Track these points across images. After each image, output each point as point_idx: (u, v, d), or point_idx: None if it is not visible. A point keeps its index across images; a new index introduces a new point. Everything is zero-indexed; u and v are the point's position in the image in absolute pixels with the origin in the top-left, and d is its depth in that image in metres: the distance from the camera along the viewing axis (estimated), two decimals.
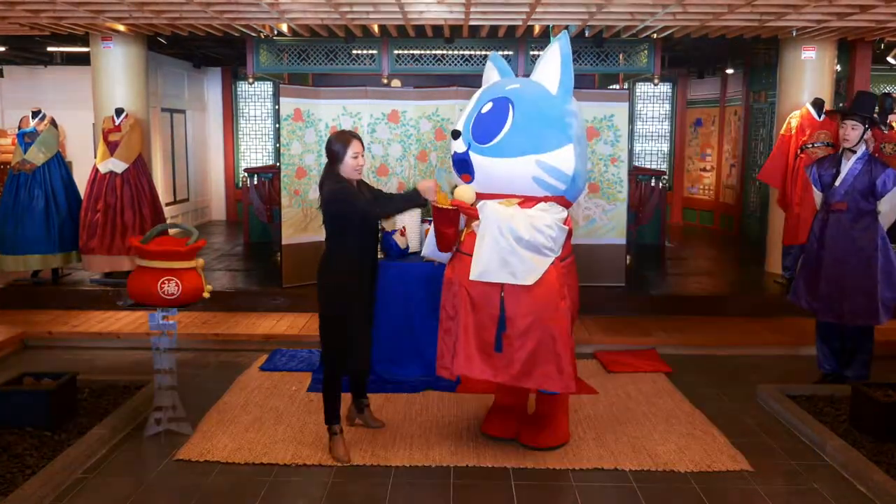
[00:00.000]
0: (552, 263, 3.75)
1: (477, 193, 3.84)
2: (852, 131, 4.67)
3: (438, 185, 3.91)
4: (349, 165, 3.77)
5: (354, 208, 3.73)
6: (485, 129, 3.77)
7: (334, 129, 6.69)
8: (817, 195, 4.94)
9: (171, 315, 4.09)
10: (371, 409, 4.37)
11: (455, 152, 3.88)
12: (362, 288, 3.88)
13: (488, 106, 3.82)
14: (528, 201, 3.80)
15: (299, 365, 5.40)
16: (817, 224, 4.88)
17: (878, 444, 3.95)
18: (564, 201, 3.88)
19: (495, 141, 3.74)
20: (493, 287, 3.74)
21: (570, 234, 3.93)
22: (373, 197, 3.93)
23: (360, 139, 3.82)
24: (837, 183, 4.74)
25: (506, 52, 7.82)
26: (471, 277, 3.69)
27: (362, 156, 3.81)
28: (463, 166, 3.86)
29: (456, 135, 3.85)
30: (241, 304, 6.67)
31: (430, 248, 4.19)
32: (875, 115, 4.72)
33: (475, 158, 3.79)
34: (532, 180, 3.76)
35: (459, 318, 3.81)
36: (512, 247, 3.65)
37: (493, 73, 4.16)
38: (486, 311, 3.76)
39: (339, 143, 3.77)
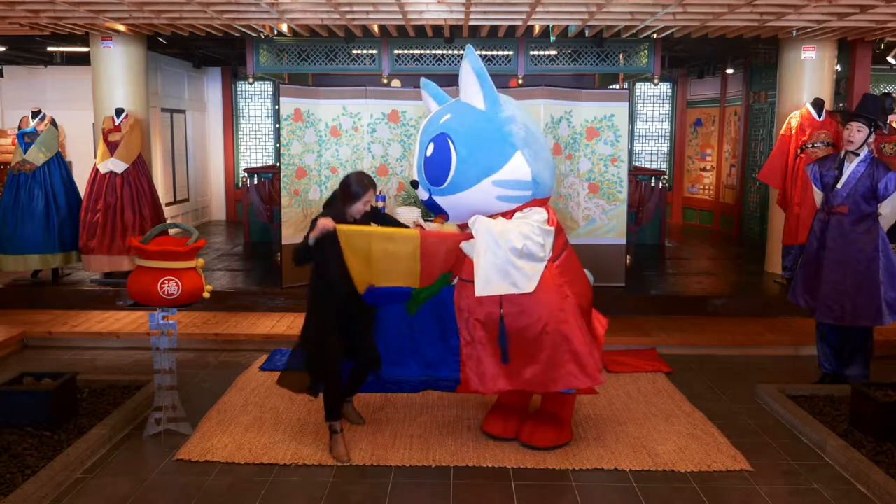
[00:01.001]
0: (546, 267, 3.77)
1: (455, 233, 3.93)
2: (858, 133, 4.65)
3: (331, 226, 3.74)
4: (356, 209, 3.88)
5: (302, 244, 3.80)
6: (435, 172, 3.83)
7: (335, 130, 6.69)
8: (817, 194, 4.94)
9: (171, 315, 4.09)
10: (357, 404, 4.40)
11: (422, 199, 3.97)
12: (344, 317, 3.92)
13: (430, 148, 3.86)
14: (505, 215, 3.83)
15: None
16: (817, 224, 4.87)
17: (878, 444, 3.95)
18: (538, 202, 3.89)
19: (449, 180, 3.79)
20: (494, 307, 3.75)
21: (559, 230, 3.93)
22: (371, 220, 4.03)
23: (375, 188, 3.93)
24: (839, 185, 4.72)
25: (506, 52, 7.83)
26: (476, 293, 3.70)
27: (371, 203, 3.92)
28: (434, 209, 3.96)
29: (415, 185, 3.93)
30: (241, 304, 6.68)
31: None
32: (880, 119, 4.70)
33: (440, 200, 3.87)
34: (497, 200, 3.79)
35: (476, 343, 3.85)
36: (509, 258, 3.67)
37: (430, 102, 4.19)
38: (494, 331, 3.78)
39: (360, 187, 3.86)
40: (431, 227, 4.03)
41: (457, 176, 3.77)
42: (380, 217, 4.13)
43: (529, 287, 3.70)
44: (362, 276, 3.79)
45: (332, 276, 3.81)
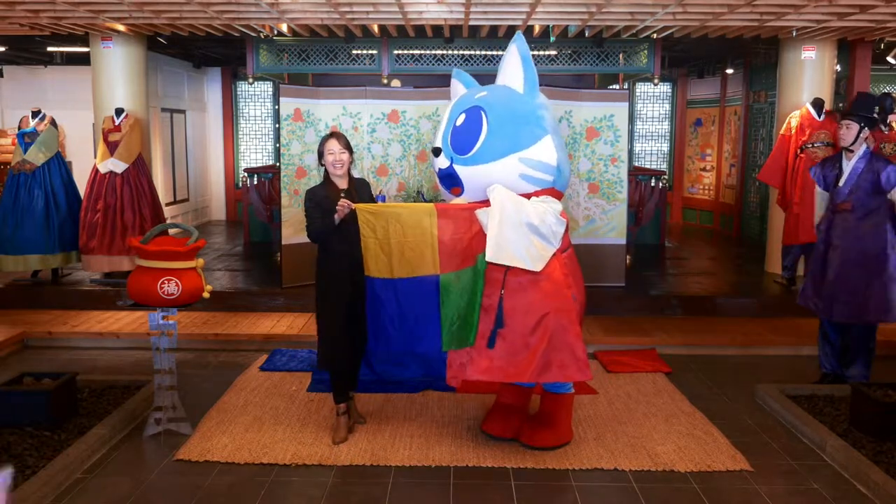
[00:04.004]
0: (554, 255, 3.78)
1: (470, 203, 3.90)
2: (847, 131, 4.68)
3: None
4: (328, 161, 4.00)
5: (309, 217, 3.95)
6: (463, 140, 3.83)
7: (334, 129, 6.69)
8: (821, 194, 4.93)
9: (171, 315, 4.09)
10: (357, 404, 4.42)
11: (440, 168, 3.94)
12: (341, 288, 3.96)
13: (462, 118, 3.88)
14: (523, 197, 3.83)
15: (299, 365, 5.39)
16: (823, 225, 4.87)
17: (878, 444, 3.95)
18: (556, 192, 3.92)
19: (475, 149, 3.80)
20: (496, 288, 3.74)
21: (567, 225, 3.96)
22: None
23: (337, 138, 4.01)
24: (841, 183, 4.73)
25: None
26: (487, 258, 3.67)
27: (339, 152, 3.96)
28: (450, 181, 3.93)
29: (437, 152, 3.92)
30: (241, 304, 6.67)
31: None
32: (875, 116, 4.71)
33: (460, 170, 3.85)
34: (519, 178, 3.80)
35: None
36: (524, 232, 3.68)
37: (460, 87, 4.22)
38: (491, 322, 3.76)
39: (320, 143, 4.06)
40: None
41: (484, 146, 3.78)
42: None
43: (537, 266, 3.70)
44: (379, 259, 3.81)
45: (343, 254, 3.89)
